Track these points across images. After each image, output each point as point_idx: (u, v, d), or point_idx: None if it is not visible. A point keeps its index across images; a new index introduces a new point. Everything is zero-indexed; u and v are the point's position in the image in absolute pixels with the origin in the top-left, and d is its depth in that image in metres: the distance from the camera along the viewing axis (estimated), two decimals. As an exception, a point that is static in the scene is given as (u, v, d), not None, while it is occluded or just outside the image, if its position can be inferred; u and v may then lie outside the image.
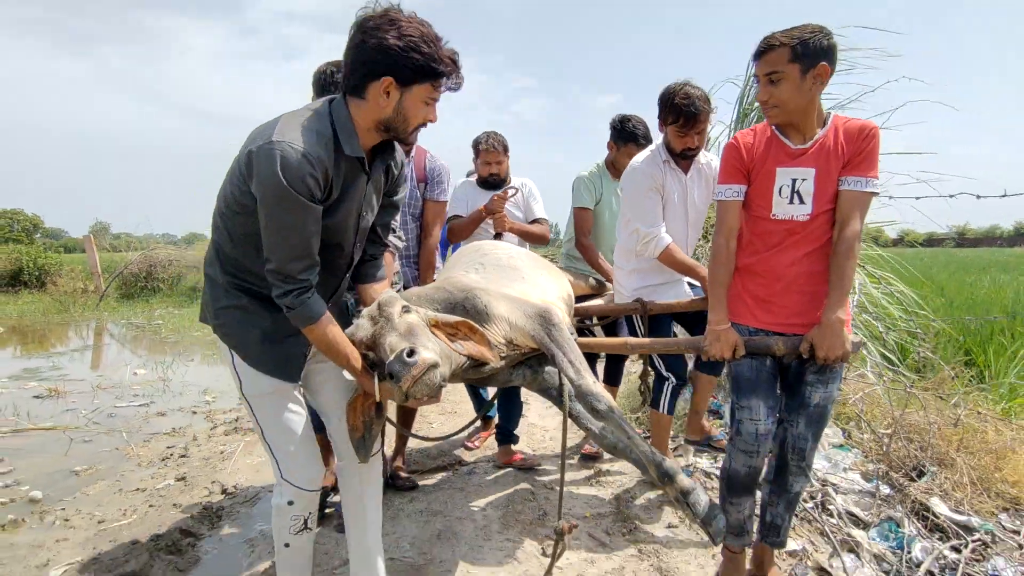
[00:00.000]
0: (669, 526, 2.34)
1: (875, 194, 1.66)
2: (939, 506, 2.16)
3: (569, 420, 1.78)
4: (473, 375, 1.73)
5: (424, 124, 1.47)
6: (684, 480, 1.72)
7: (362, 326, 1.47)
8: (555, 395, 1.85)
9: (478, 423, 3.39)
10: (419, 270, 2.62)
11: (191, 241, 16.44)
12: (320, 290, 1.47)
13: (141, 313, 9.40)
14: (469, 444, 3.31)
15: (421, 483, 2.81)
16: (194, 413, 4.19)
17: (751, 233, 1.78)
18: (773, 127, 1.72)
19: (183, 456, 3.32)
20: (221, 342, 1.52)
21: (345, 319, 1.60)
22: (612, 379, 3.14)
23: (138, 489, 2.88)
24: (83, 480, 3.00)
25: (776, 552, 1.98)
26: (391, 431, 2.67)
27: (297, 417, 1.57)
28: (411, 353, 1.30)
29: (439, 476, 2.96)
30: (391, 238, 1.82)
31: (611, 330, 2.82)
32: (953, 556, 1.95)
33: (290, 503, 1.54)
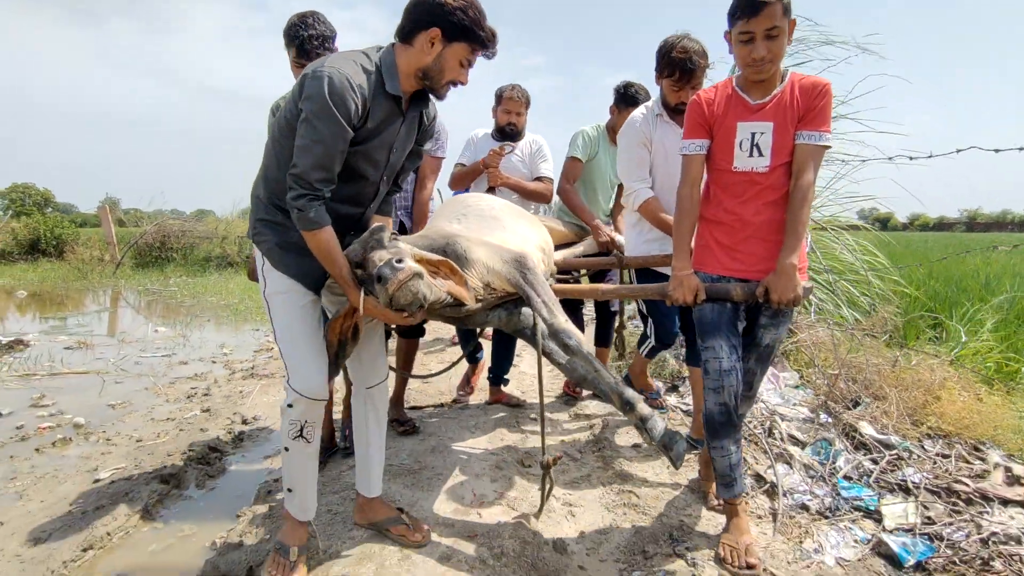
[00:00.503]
0: (633, 446, 2.67)
1: (827, 147, 1.77)
2: (866, 428, 2.47)
3: (544, 357, 1.90)
4: (451, 313, 1.86)
5: (455, 83, 1.71)
6: (643, 408, 1.84)
7: (354, 249, 1.65)
8: (529, 334, 1.95)
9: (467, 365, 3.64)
10: (412, 220, 2.86)
11: (200, 217, 16.73)
12: (345, 219, 1.71)
13: (156, 281, 9.79)
14: (461, 391, 3.59)
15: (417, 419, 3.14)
16: (213, 363, 4.56)
17: (715, 185, 1.86)
18: (734, 84, 1.83)
19: (206, 395, 3.68)
20: (256, 249, 1.77)
21: None
22: (603, 342, 3.35)
23: (168, 418, 3.25)
24: (119, 412, 3.37)
25: None
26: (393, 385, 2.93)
27: (309, 328, 1.76)
28: (399, 260, 1.50)
29: (434, 410, 3.30)
30: None
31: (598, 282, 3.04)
32: (870, 465, 2.27)
33: (290, 406, 1.70)
